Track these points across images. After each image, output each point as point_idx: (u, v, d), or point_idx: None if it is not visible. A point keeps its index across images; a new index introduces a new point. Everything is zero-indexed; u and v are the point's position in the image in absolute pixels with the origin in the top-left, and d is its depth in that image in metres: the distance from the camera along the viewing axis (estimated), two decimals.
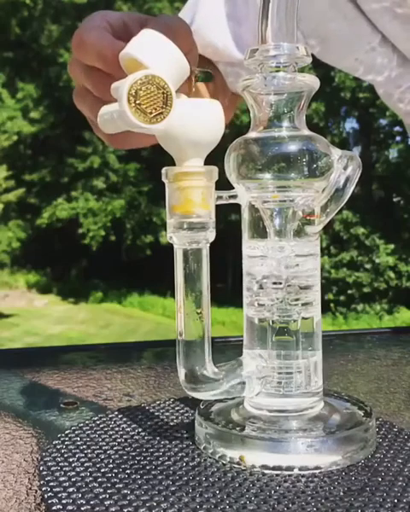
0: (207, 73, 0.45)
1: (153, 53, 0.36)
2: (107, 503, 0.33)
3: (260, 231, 0.39)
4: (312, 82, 0.39)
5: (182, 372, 0.39)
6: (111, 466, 0.37)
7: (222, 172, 0.39)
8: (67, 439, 0.41)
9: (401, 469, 0.36)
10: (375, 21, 0.66)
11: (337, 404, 0.42)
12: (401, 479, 0.35)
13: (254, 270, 0.40)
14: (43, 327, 8.43)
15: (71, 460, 0.38)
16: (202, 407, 0.42)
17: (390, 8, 0.63)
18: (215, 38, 0.67)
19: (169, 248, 0.39)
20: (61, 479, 0.36)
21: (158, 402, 0.48)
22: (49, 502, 0.33)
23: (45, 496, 0.34)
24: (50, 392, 0.54)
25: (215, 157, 0.40)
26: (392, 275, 9.89)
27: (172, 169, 0.38)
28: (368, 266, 10.00)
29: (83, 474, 0.36)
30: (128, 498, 0.33)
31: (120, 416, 0.45)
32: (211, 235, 0.38)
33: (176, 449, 0.39)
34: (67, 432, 0.42)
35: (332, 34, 0.67)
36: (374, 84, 0.72)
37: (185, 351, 0.38)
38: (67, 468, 0.37)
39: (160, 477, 0.36)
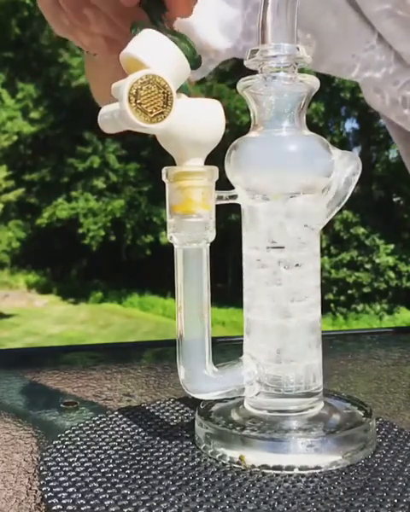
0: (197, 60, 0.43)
1: (153, 53, 0.36)
2: (107, 503, 0.33)
3: (260, 231, 0.39)
4: (312, 82, 0.39)
5: (182, 372, 0.39)
6: (111, 466, 0.37)
7: (222, 172, 0.39)
8: (67, 439, 0.41)
9: (401, 469, 0.36)
10: (370, 19, 0.66)
11: (337, 404, 0.42)
12: (401, 479, 0.35)
13: (254, 270, 0.40)
14: (43, 327, 8.43)
15: (71, 460, 0.38)
16: (202, 407, 0.42)
17: (388, 10, 0.63)
18: (196, 27, 0.66)
19: (169, 248, 0.39)
20: (61, 479, 0.36)
21: (158, 402, 0.48)
22: (49, 502, 0.33)
23: (45, 496, 0.34)
24: (50, 392, 0.54)
25: (215, 157, 0.40)
26: (392, 275, 9.88)
27: (173, 169, 0.38)
28: (368, 266, 10.00)
29: (83, 474, 0.36)
30: (128, 498, 0.33)
31: (120, 416, 0.45)
32: (211, 234, 0.38)
33: (176, 449, 0.39)
34: (67, 432, 0.42)
35: (324, 28, 0.67)
36: (372, 83, 0.72)
37: (185, 351, 0.38)
38: (67, 468, 0.37)
39: (160, 477, 0.36)
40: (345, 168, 0.40)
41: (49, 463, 0.38)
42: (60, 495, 0.34)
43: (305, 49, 0.39)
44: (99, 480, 0.35)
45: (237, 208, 0.41)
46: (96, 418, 0.45)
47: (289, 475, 0.36)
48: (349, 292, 9.99)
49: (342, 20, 0.66)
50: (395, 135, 0.86)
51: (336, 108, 10.82)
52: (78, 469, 0.37)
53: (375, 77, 0.69)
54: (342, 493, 0.34)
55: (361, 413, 0.41)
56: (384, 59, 0.68)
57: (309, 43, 0.67)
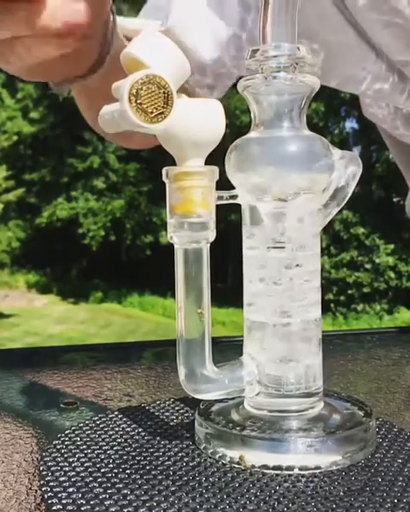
0: None
1: (154, 52, 0.36)
2: (107, 503, 0.33)
3: (260, 231, 0.39)
4: (312, 82, 0.39)
5: (182, 372, 0.39)
6: (111, 466, 0.37)
7: (222, 172, 0.39)
8: (67, 439, 0.41)
9: (401, 469, 0.36)
10: (366, 29, 0.66)
11: (337, 405, 0.42)
12: (401, 479, 0.35)
13: (254, 270, 0.40)
14: (43, 327, 8.43)
15: (71, 460, 0.38)
16: (202, 407, 0.42)
17: (384, 20, 0.63)
18: (185, 37, 0.66)
19: (169, 248, 0.39)
20: (61, 479, 0.36)
21: (158, 402, 0.48)
22: (49, 502, 0.33)
23: (45, 496, 0.34)
24: (50, 392, 0.54)
25: (215, 157, 0.40)
26: (392, 275, 9.89)
27: (173, 169, 0.38)
28: (368, 266, 10.00)
29: (83, 474, 0.36)
30: (128, 498, 0.33)
31: (120, 416, 0.45)
32: (211, 234, 0.38)
33: (176, 449, 0.39)
34: (67, 432, 0.42)
35: (329, 40, 0.67)
36: (381, 96, 0.71)
37: (185, 351, 0.38)
38: (67, 468, 0.37)
39: (160, 477, 0.36)
40: (345, 168, 0.40)
41: (49, 463, 0.38)
42: (60, 495, 0.34)
43: (305, 49, 0.39)
44: (99, 479, 0.35)
45: (237, 208, 0.41)
46: (96, 418, 0.45)
47: (289, 475, 0.36)
48: (349, 292, 9.99)
49: (343, 34, 0.66)
50: (389, 141, 0.86)
51: (336, 108, 10.82)
52: (78, 469, 0.37)
53: (384, 88, 0.69)
54: (342, 493, 0.34)
55: (361, 413, 0.41)
56: (390, 68, 0.68)
57: (316, 52, 0.67)
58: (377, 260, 9.91)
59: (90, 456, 0.38)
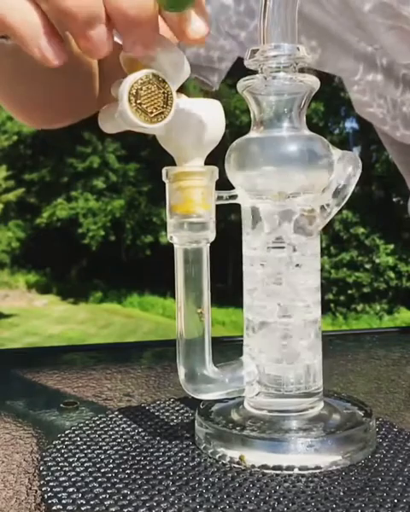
0: None
1: (154, 53, 0.36)
2: (107, 503, 0.33)
3: (260, 231, 0.39)
4: (312, 82, 0.39)
5: (182, 372, 0.39)
6: (111, 466, 0.37)
7: (222, 172, 0.39)
8: (67, 439, 0.41)
9: (401, 469, 0.36)
10: (372, 31, 0.66)
11: (337, 405, 0.42)
12: (401, 479, 0.35)
13: (255, 270, 0.40)
14: (43, 327, 8.43)
15: (71, 460, 0.38)
16: (202, 407, 0.42)
17: (387, 23, 0.63)
18: None
19: (169, 248, 0.39)
20: (61, 479, 0.36)
21: (158, 402, 0.48)
22: (49, 502, 0.33)
23: (45, 496, 0.34)
24: (50, 392, 0.54)
25: (215, 157, 0.40)
26: (392, 275, 9.88)
27: (173, 169, 0.38)
28: (368, 266, 10.00)
29: (83, 474, 0.36)
30: (128, 498, 0.33)
31: (120, 416, 0.45)
32: (211, 234, 0.38)
33: (176, 449, 0.39)
34: (67, 432, 0.42)
35: (329, 38, 0.67)
36: (375, 87, 0.72)
37: (185, 351, 0.38)
38: (67, 468, 0.37)
39: (160, 477, 0.36)
40: (345, 168, 0.40)
41: (49, 463, 0.38)
42: (60, 495, 0.34)
43: (304, 48, 0.39)
44: (99, 479, 0.35)
45: (237, 208, 0.41)
46: (96, 418, 0.45)
47: (289, 475, 0.36)
48: (349, 292, 9.99)
49: (344, 31, 0.66)
50: (385, 140, 0.86)
51: (336, 108, 10.82)
52: (78, 469, 0.37)
53: (377, 80, 0.69)
54: (342, 493, 0.34)
55: (361, 413, 0.41)
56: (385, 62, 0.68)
57: (314, 49, 0.67)
58: (377, 260, 9.90)
59: (90, 456, 0.38)
